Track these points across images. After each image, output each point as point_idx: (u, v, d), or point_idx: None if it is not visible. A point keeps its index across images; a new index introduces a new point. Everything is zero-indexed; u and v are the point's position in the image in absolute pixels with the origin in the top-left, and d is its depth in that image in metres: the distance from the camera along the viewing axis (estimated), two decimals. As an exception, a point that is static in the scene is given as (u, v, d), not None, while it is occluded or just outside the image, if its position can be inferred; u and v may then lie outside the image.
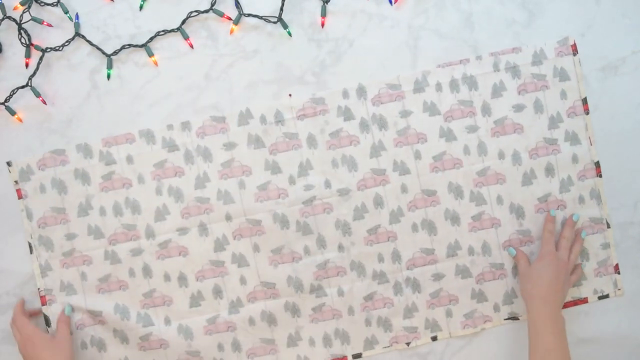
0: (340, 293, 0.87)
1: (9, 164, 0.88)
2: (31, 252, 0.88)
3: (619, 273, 0.88)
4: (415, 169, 0.87)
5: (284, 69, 0.86)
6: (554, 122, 0.87)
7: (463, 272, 0.87)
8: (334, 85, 0.86)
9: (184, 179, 0.87)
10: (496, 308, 0.88)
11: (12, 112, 0.86)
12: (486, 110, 0.87)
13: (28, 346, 0.82)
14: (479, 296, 0.88)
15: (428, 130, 0.87)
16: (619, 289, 0.88)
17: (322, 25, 0.86)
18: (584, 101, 0.87)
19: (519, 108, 0.86)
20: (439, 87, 0.86)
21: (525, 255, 0.85)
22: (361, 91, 0.87)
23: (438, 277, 0.87)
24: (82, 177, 0.87)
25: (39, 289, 0.88)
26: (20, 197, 0.88)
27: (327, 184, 0.87)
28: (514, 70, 0.86)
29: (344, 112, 0.87)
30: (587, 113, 0.87)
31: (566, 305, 0.88)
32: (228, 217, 0.87)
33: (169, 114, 0.87)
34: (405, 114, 0.87)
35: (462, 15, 0.86)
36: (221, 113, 0.87)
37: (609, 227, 0.87)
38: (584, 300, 0.88)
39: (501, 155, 0.87)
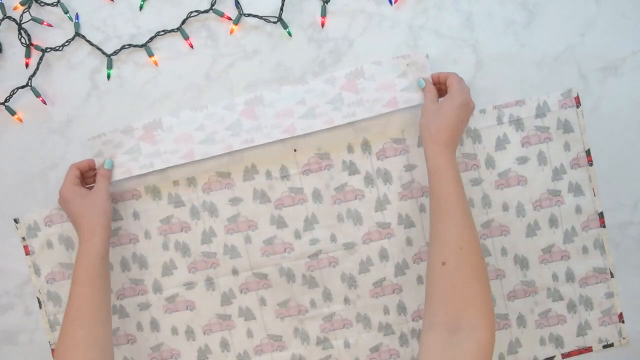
0: (347, 345, 0.88)
1: (16, 220, 0.88)
2: (40, 307, 0.88)
3: (623, 322, 0.89)
4: (420, 222, 0.87)
5: (284, 69, 0.87)
6: (557, 173, 0.87)
7: (468, 323, 0.88)
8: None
9: (191, 234, 0.88)
10: (501, 358, 0.89)
11: (12, 112, 0.87)
12: (490, 162, 0.87)
13: (63, 202, 0.81)
14: (484, 346, 0.88)
15: (432, 184, 0.87)
16: (624, 338, 0.89)
17: (322, 25, 0.86)
18: (588, 152, 0.87)
19: (522, 160, 0.87)
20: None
21: (434, 91, 0.82)
22: (366, 146, 0.87)
23: (443, 328, 0.88)
24: (89, 233, 0.88)
25: (49, 342, 0.89)
26: (27, 253, 0.88)
27: (333, 238, 0.87)
28: (518, 123, 0.86)
29: (349, 166, 0.87)
30: (591, 164, 0.87)
31: (571, 353, 0.88)
32: (234, 272, 0.88)
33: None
34: (409, 167, 0.87)
35: (462, 15, 0.86)
36: (225, 168, 0.87)
37: (612, 276, 0.88)
38: (589, 349, 0.89)
39: (505, 207, 0.87)
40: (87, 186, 0.85)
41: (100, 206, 0.80)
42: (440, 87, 0.83)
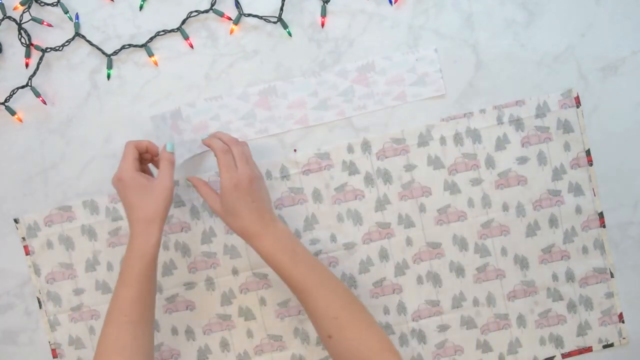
0: (347, 345, 0.88)
1: (16, 220, 0.88)
2: (40, 307, 0.88)
3: (623, 322, 0.89)
4: (420, 222, 0.87)
5: (284, 69, 0.87)
6: (557, 173, 0.87)
7: (468, 322, 0.88)
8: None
9: (191, 234, 0.88)
10: (501, 358, 0.89)
11: (12, 112, 0.87)
12: (490, 163, 0.87)
13: (121, 188, 0.74)
14: (484, 346, 0.88)
15: (432, 184, 0.87)
16: (624, 338, 0.89)
17: (322, 25, 0.86)
18: (588, 152, 0.87)
19: (522, 160, 0.87)
20: (443, 140, 0.87)
21: (202, 183, 0.78)
22: (366, 146, 0.87)
23: (443, 328, 0.88)
24: (88, 233, 0.88)
25: (49, 342, 0.89)
26: (27, 253, 0.88)
27: (333, 238, 0.87)
28: (518, 123, 0.86)
29: (349, 166, 0.87)
30: (591, 164, 0.87)
31: (571, 353, 0.88)
32: (234, 271, 0.88)
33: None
34: (409, 167, 0.87)
35: (462, 15, 0.86)
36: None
37: (612, 276, 0.88)
38: (589, 349, 0.89)
39: (505, 208, 0.87)
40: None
41: (162, 197, 0.73)
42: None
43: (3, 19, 0.86)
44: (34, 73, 0.86)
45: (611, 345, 0.89)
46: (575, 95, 0.87)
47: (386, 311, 0.88)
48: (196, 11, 0.86)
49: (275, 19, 0.86)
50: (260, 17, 0.86)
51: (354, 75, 0.86)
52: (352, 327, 0.71)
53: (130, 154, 0.75)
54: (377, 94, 0.86)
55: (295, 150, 0.87)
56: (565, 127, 0.87)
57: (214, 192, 0.77)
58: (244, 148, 0.77)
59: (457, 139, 0.87)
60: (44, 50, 0.86)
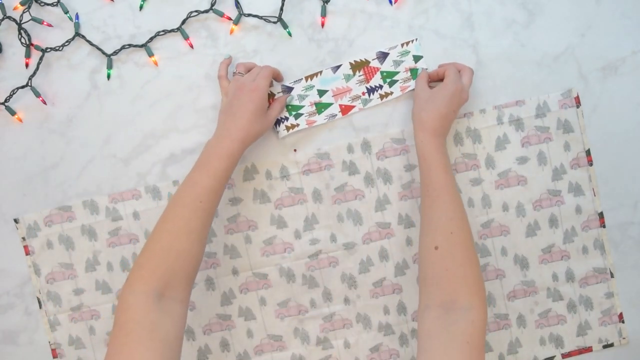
0: (347, 345, 0.88)
1: (16, 220, 0.88)
2: (40, 307, 0.88)
3: (623, 322, 0.89)
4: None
5: (284, 69, 0.87)
6: (557, 173, 0.87)
7: (468, 323, 0.88)
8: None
9: (191, 234, 0.88)
10: (501, 358, 0.89)
11: (12, 112, 0.87)
12: (490, 163, 0.87)
13: (251, 99, 0.78)
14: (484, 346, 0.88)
15: (432, 184, 0.87)
16: (624, 338, 0.89)
17: (322, 25, 0.86)
18: (588, 152, 0.87)
19: (522, 160, 0.87)
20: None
21: (426, 77, 0.84)
22: (366, 146, 0.87)
23: (443, 328, 0.88)
24: (88, 233, 0.88)
25: (49, 342, 0.89)
26: (27, 253, 0.88)
27: (333, 238, 0.87)
28: (518, 123, 0.86)
29: (349, 166, 0.87)
30: (591, 164, 0.87)
31: (571, 353, 0.88)
32: (234, 271, 0.88)
33: (169, 114, 0.87)
34: (409, 167, 0.87)
35: (462, 15, 0.86)
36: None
37: (612, 276, 0.88)
38: (589, 349, 0.89)
39: (505, 207, 0.87)
40: None
41: (266, 126, 0.81)
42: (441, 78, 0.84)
43: (3, 19, 0.86)
44: (34, 73, 0.86)
45: (611, 345, 0.89)
46: (575, 95, 0.87)
47: (386, 311, 0.88)
48: (196, 11, 0.86)
49: (275, 19, 0.86)
50: (260, 17, 0.86)
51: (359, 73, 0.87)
52: (461, 251, 0.72)
53: (270, 76, 0.81)
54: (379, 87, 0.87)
55: (295, 150, 0.87)
56: (565, 127, 0.87)
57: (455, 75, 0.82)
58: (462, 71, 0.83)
59: (457, 138, 0.87)
60: (44, 50, 0.86)
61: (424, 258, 0.73)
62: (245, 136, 0.77)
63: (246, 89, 0.78)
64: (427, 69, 0.86)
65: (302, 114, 0.86)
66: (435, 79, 0.84)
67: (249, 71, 0.82)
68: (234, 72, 0.83)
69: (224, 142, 0.76)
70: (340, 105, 0.86)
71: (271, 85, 0.85)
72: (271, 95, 0.86)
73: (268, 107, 0.82)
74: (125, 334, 0.65)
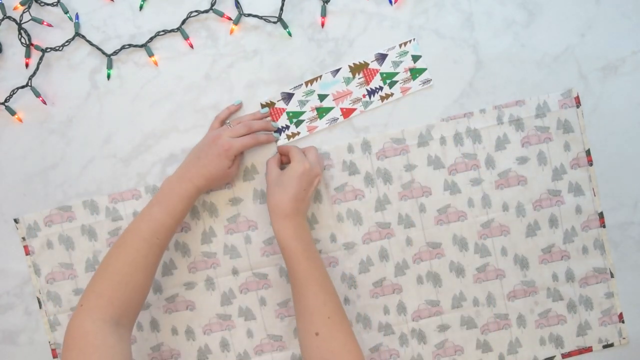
0: (347, 345, 0.88)
1: (16, 220, 0.88)
2: (40, 307, 0.88)
3: (623, 322, 0.89)
4: (420, 222, 0.87)
5: (284, 69, 0.87)
6: (557, 173, 0.87)
7: (468, 322, 0.88)
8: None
9: (190, 234, 0.88)
10: (501, 358, 0.89)
11: (12, 112, 0.87)
12: (490, 163, 0.87)
13: (218, 150, 0.80)
14: (484, 346, 0.88)
15: (432, 184, 0.87)
16: (624, 338, 0.89)
17: (322, 25, 0.86)
18: (588, 152, 0.87)
19: (522, 160, 0.87)
20: (443, 140, 0.87)
21: (277, 160, 0.83)
22: (366, 146, 0.87)
23: (443, 328, 0.88)
24: (89, 233, 0.88)
25: (49, 342, 0.89)
26: (27, 253, 0.88)
27: (333, 238, 0.87)
28: (518, 123, 0.86)
29: (349, 166, 0.87)
30: (591, 164, 0.87)
31: (571, 353, 0.88)
32: (234, 271, 0.88)
33: (169, 114, 0.87)
34: (409, 167, 0.87)
35: (462, 15, 0.86)
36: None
37: (612, 276, 0.88)
38: (589, 349, 0.89)
39: (505, 207, 0.87)
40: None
41: (226, 180, 0.84)
42: (284, 159, 0.85)
43: (3, 19, 0.86)
44: (34, 73, 0.86)
45: (611, 345, 0.89)
46: (575, 95, 0.87)
47: (386, 311, 0.88)
48: (196, 11, 0.86)
49: (275, 19, 0.86)
50: (260, 17, 0.86)
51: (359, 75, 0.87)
52: (341, 330, 0.74)
53: (250, 146, 0.82)
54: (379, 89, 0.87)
55: (295, 150, 0.87)
56: (565, 127, 0.87)
57: (301, 156, 0.81)
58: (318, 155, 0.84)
59: (457, 138, 0.87)
60: (44, 50, 0.86)
61: (306, 344, 0.74)
62: (204, 184, 0.79)
63: (220, 143, 0.79)
64: (426, 69, 0.86)
65: (303, 121, 0.86)
66: (286, 162, 0.84)
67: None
68: (227, 122, 0.85)
69: (185, 184, 0.78)
70: (342, 109, 0.86)
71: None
72: (271, 104, 0.86)
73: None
74: (84, 358, 0.67)
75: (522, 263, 0.88)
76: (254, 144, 0.82)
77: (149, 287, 0.77)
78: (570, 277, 0.88)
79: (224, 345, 0.89)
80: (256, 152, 0.87)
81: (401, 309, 0.88)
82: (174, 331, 0.88)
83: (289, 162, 0.82)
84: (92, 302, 0.72)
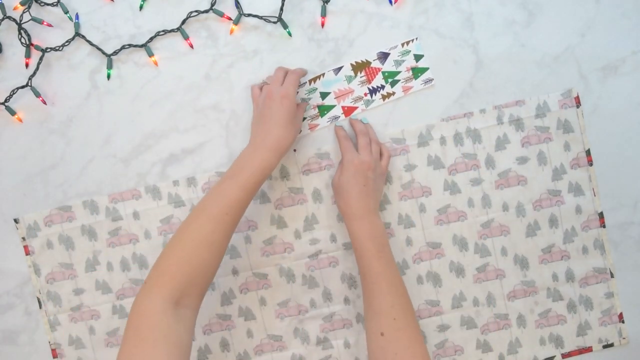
0: (347, 345, 0.88)
1: (16, 220, 0.88)
2: (40, 307, 0.88)
3: (623, 322, 0.89)
4: (420, 222, 0.87)
5: (283, 69, 0.87)
6: (557, 173, 0.87)
7: (468, 322, 0.88)
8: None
9: (191, 234, 0.87)
10: (501, 358, 0.89)
11: (12, 112, 0.87)
12: (490, 163, 0.87)
13: (282, 103, 0.77)
14: (484, 346, 0.88)
15: (432, 184, 0.87)
16: (624, 338, 0.89)
17: (322, 25, 0.86)
18: (588, 152, 0.87)
19: (522, 160, 0.87)
20: (443, 140, 0.87)
21: (347, 137, 0.84)
22: (365, 146, 0.87)
23: (443, 328, 0.88)
24: (89, 233, 0.88)
25: (49, 342, 0.89)
26: (27, 253, 0.88)
27: (333, 238, 0.87)
28: (518, 123, 0.86)
29: (349, 166, 0.87)
30: (591, 164, 0.87)
31: (571, 353, 0.88)
32: (234, 271, 0.88)
33: (169, 114, 0.87)
34: (409, 167, 0.87)
35: (462, 15, 0.86)
36: (226, 169, 0.87)
37: (612, 276, 0.88)
38: (589, 349, 0.89)
39: (505, 207, 0.87)
40: None
41: (297, 132, 0.80)
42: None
43: (3, 19, 0.86)
44: (34, 73, 0.86)
45: (611, 345, 0.89)
46: (575, 95, 0.87)
47: (386, 311, 0.88)
48: (196, 11, 0.86)
49: (275, 19, 0.86)
50: (260, 17, 0.86)
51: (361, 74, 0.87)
52: (407, 334, 0.73)
53: (297, 81, 0.80)
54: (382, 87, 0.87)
55: (295, 150, 0.87)
56: (565, 127, 0.87)
57: (349, 154, 0.81)
58: (374, 142, 0.84)
59: (457, 139, 0.87)
60: (44, 50, 0.86)
61: (371, 343, 0.74)
62: (280, 145, 0.76)
63: (275, 97, 0.77)
64: (428, 68, 0.86)
65: (305, 118, 0.86)
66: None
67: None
68: (263, 81, 0.84)
69: (258, 151, 0.75)
70: (343, 107, 0.86)
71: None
72: None
73: None
74: (140, 339, 0.65)
75: (522, 263, 0.88)
76: (300, 74, 0.81)
77: (216, 266, 0.72)
78: (570, 277, 0.88)
79: (224, 345, 0.89)
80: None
81: (401, 309, 0.88)
82: (174, 331, 0.88)
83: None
84: (152, 280, 0.69)
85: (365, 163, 0.80)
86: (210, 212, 0.72)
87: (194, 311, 0.71)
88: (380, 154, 0.84)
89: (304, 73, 0.84)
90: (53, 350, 0.89)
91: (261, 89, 0.83)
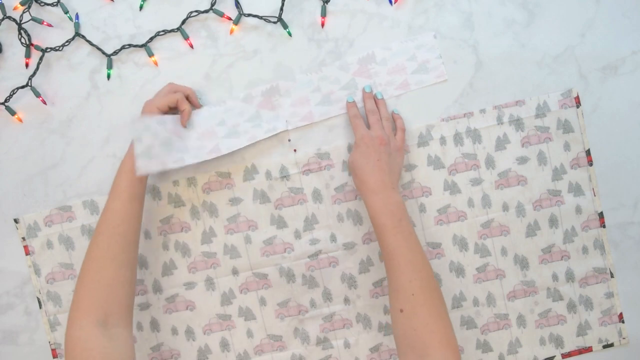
0: (347, 345, 0.88)
1: (16, 220, 0.88)
2: (40, 307, 0.88)
3: (623, 322, 0.89)
4: (420, 222, 0.87)
5: (284, 69, 0.87)
6: (557, 173, 0.87)
7: (468, 322, 0.88)
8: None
9: (190, 234, 0.88)
10: (501, 358, 0.89)
11: (12, 112, 0.87)
12: (490, 163, 0.87)
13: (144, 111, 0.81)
14: (484, 346, 0.88)
15: (432, 184, 0.87)
16: (624, 338, 0.89)
17: (322, 25, 0.86)
18: (588, 152, 0.87)
19: (522, 160, 0.87)
20: (442, 140, 0.87)
21: (359, 115, 0.84)
22: (365, 146, 0.87)
23: (443, 328, 0.88)
24: (89, 233, 0.88)
25: (49, 342, 0.89)
26: (27, 253, 0.88)
27: (333, 238, 0.87)
28: (518, 123, 0.86)
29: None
30: (591, 164, 0.87)
31: (571, 353, 0.88)
32: (234, 272, 0.88)
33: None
34: (409, 167, 0.87)
35: (462, 15, 0.86)
36: (225, 168, 0.87)
37: (612, 276, 0.88)
38: (589, 349, 0.89)
39: (505, 207, 0.87)
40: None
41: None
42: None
43: (3, 19, 0.86)
44: (34, 73, 0.86)
45: (611, 345, 0.89)
46: (575, 95, 0.87)
47: (386, 311, 0.88)
48: (196, 11, 0.86)
49: (275, 19, 0.86)
50: (260, 17, 0.86)
51: (355, 67, 0.86)
52: (425, 310, 0.72)
53: (168, 101, 0.81)
54: (379, 85, 0.86)
55: (295, 150, 0.87)
56: (565, 127, 0.86)
57: (360, 130, 0.82)
58: (385, 118, 0.84)
59: (457, 138, 0.87)
60: (44, 50, 0.86)
61: (393, 320, 0.74)
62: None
63: (145, 108, 0.81)
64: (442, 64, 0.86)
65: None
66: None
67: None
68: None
69: (122, 163, 0.78)
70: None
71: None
72: None
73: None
74: None
75: (522, 263, 0.88)
76: (169, 97, 0.82)
77: (128, 279, 0.75)
78: (570, 277, 0.88)
79: (224, 346, 0.89)
80: (256, 152, 0.87)
81: (401, 309, 0.88)
82: (174, 331, 0.88)
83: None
84: (74, 307, 0.72)
85: (376, 138, 0.79)
86: (100, 229, 0.75)
87: (126, 328, 0.73)
88: (396, 130, 0.84)
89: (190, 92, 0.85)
90: (53, 350, 0.89)
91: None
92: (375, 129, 0.81)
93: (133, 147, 0.78)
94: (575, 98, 0.86)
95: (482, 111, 0.87)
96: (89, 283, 0.73)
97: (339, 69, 0.86)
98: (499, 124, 0.86)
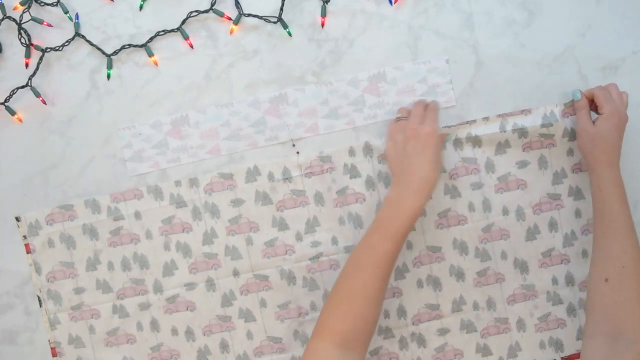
0: (346, 347, 0.88)
1: (17, 219, 0.88)
2: (40, 305, 0.89)
3: (621, 326, 0.89)
4: (420, 226, 0.88)
5: (284, 69, 0.87)
6: (557, 177, 0.87)
7: (468, 326, 0.88)
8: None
9: (192, 235, 0.88)
10: (500, 361, 0.89)
11: (12, 112, 0.86)
12: (490, 167, 0.87)
13: (429, 141, 0.77)
14: (484, 350, 0.89)
15: (433, 188, 0.87)
16: (621, 342, 0.89)
17: (322, 25, 0.86)
18: (590, 157, 0.87)
19: (522, 164, 0.87)
20: (442, 145, 0.86)
21: (588, 111, 0.82)
22: (367, 149, 0.87)
23: (443, 331, 0.88)
24: (90, 232, 0.88)
25: (49, 341, 0.89)
26: (28, 251, 0.88)
27: (334, 241, 0.88)
28: (522, 132, 0.86)
29: (350, 169, 0.87)
30: (592, 169, 0.87)
31: (571, 357, 0.89)
32: (235, 273, 0.88)
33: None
34: (411, 171, 0.87)
35: (462, 15, 0.86)
36: (228, 169, 0.87)
37: (612, 281, 0.88)
38: (587, 353, 0.89)
39: (505, 211, 0.87)
40: None
41: (441, 166, 0.80)
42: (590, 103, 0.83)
43: (3, 19, 0.85)
44: (34, 73, 0.86)
45: (609, 349, 0.89)
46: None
47: (386, 315, 0.88)
48: (196, 11, 0.86)
49: (275, 19, 0.86)
50: (260, 17, 0.86)
51: (365, 84, 0.86)
52: (632, 285, 0.71)
53: (437, 117, 0.79)
54: (387, 104, 0.86)
55: (297, 153, 0.87)
56: (571, 135, 0.86)
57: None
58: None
59: (457, 143, 0.87)
60: (44, 50, 0.86)
61: (593, 288, 0.73)
62: (428, 186, 0.74)
63: (421, 135, 0.76)
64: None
65: None
66: (592, 107, 0.83)
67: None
68: (397, 117, 0.83)
69: (405, 197, 0.74)
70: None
71: None
72: None
73: None
74: None
75: (522, 267, 0.88)
76: (438, 109, 0.82)
77: (374, 316, 0.74)
78: (570, 280, 0.88)
79: (224, 347, 0.89)
80: (259, 154, 0.87)
81: (401, 312, 0.88)
82: (174, 331, 0.89)
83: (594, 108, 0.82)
84: (323, 327, 0.72)
85: (624, 115, 0.79)
86: (361, 266, 0.74)
87: (360, 356, 0.72)
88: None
89: (439, 107, 0.83)
90: (52, 349, 0.89)
91: (397, 122, 0.82)
92: (620, 105, 0.80)
93: (415, 174, 0.75)
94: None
95: (485, 119, 0.86)
96: (338, 313, 0.73)
97: (348, 84, 0.86)
98: (501, 131, 0.86)
